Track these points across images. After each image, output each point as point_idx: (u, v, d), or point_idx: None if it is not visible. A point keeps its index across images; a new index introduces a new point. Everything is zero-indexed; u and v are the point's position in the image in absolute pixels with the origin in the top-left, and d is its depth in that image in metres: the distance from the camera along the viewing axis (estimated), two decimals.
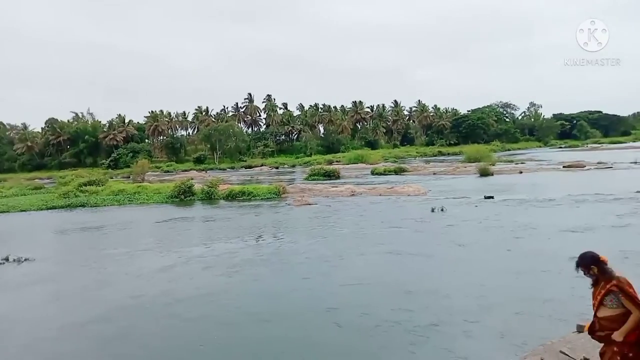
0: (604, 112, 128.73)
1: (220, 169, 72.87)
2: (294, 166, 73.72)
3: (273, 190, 30.32)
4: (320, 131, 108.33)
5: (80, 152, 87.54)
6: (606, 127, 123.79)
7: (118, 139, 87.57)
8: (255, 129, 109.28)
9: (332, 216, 21.14)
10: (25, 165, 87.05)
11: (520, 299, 8.92)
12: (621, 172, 35.67)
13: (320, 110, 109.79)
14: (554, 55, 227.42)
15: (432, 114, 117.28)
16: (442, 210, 20.55)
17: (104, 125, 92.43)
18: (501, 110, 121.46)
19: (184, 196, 30.52)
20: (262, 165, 76.76)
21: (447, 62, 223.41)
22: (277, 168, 72.04)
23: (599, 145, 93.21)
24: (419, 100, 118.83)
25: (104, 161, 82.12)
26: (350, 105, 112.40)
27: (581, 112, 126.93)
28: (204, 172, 66.13)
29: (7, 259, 14.53)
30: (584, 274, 3.54)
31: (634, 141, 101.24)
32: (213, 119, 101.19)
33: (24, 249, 15.69)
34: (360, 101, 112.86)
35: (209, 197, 30.35)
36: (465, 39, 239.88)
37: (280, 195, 29.48)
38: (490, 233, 15.51)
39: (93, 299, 10.59)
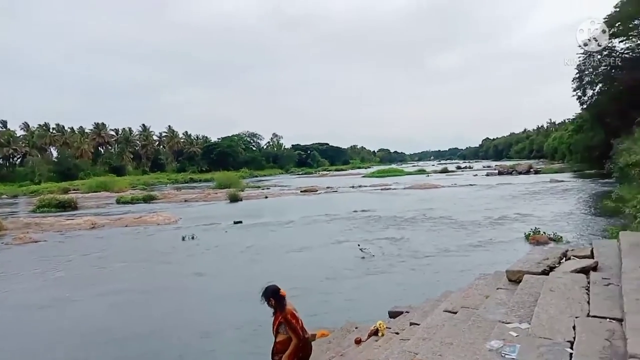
0: (330, 144, 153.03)
1: None
2: (16, 196, 61.31)
3: None
4: (52, 155, 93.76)
5: None
6: (332, 157, 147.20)
7: None
8: None
9: (62, 254, 18.27)
10: None
11: (245, 323, 9.29)
12: (343, 195, 42.66)
13: (52, 131, 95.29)
14: (296, 90, 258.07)
15: (183, 140, 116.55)
16: (192, 238, 20.41)
17: None
18: (248, 139, 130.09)
19: None
20: None
21: (198, 88, 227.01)
22: None
23: (328, 172, 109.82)
24: (169, 126, 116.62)
25: None
26: (91, 127, 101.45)
27: (313, 143, 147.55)
28: None
29: None
30: (267, 304, 4.06)
31: (352, 169, 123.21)
32: None
33: None
34: (103, 123, 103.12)
35: None
36: (214, 67, 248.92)
37: None
38: (233, 258, 16.09)
39: None
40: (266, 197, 42.12)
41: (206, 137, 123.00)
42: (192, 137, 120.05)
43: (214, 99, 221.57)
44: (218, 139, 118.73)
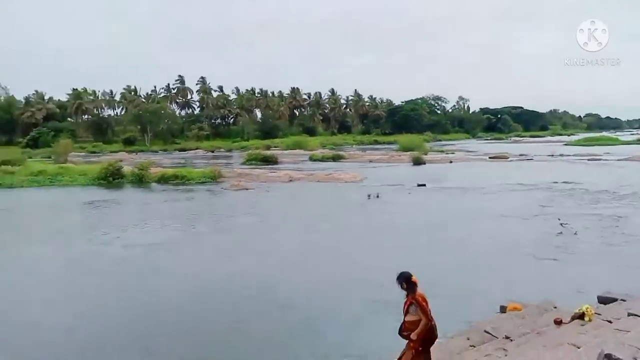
0: (524, 108, 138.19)
1: (152, 152, 69.68)
2: (230, 150, 72.19)
3: (208, 175, 29.52)
4: (257, 116, 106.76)
5: None
6: (527, 122, 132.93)
7: (37, 117, 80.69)
8: (189, 111, 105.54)
9: (267, 201, 21.05)
10: None
11: (445, 283, 9.18)
12: (540, 163, 38.43)
13: (257, 95, 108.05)
14: (482, 52, 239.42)
15: (367, 103, 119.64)
16: (377, 196, 21.05)
17: (20, 101, 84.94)
18: (433, 102, 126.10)
19: (112, 178, 28.86)
20: (197, 149, 74.26)
21: (384, 53, 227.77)
22: (212, 152, 70.08)
23: (521, 138, 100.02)
24: (356, 90, 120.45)
25: (21, 140, 75.49)
26: (287, 92, 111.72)
27: (505, 107, 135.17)
28: (134, 154, 62.83)
29: None
30: (399, 287, 4.58)
31: (551, 136, 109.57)
32: (143, 99, 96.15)
33: None
34: (297, 88, 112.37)
35: (140, 180, 28.97)
36: (399, 33, 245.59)
37: (216, 180, 28.78)
38: (422, 218, 16.14)
39: None
40: (450, 162, 40.70)
41: (390, 100, 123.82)
42: (377, 101, 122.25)
43: (397, 63, 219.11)
44: (402, 102, 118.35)
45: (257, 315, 8.00)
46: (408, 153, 45.89)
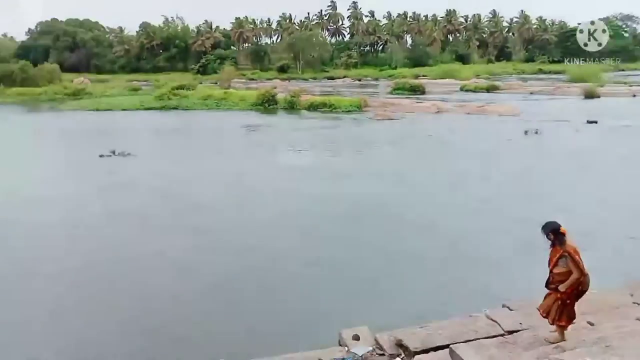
0: None
1: (302, 79, 72.58)
2: (377, 79, 71.35)
3: (355, 103, 29.88)
4: (407, 42, 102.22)
5: (172, 57, 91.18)
6: None
7: (206, 45, 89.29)
8: (339, 38, 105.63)
9: (412, 133, 20.63)
10: (123, 67, 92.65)
11: (612, 236, 8.24)
12: None
13: (409, 19, 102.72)
14: None
15: (535, 26, 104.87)
16: (536, 132, 19.10)
17: (193, 30, 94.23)
18: (620, 23, 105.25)
19: (267, 104, 31.17)
20: (344, 77, 75.02)
21: None
22: (359, 80, 70.15)
23: None
24: (522, 11, 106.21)
25: (193, 66, 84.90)
26: (442, 15, 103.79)
27: None
28: (287, 81, 66.22)
29: (113, 152, 16.17)
30: (545, 237, 4.34)
31: None
32: (297, 27, 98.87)
33: (128, 145, 17.21)
34: (454, 10, 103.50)
35: (292, 107, 30.71)
36: None
37: (362, 109, 29.00)
38: (588, 160, 14.26)
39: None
40: (634, 96, 34.42)
41: (564, 22, 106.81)
42: (547, 23, 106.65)
43: None
44: (578, 24, 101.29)
45: (389, 254, 8.11)
46: (579, 84, 39.96)
